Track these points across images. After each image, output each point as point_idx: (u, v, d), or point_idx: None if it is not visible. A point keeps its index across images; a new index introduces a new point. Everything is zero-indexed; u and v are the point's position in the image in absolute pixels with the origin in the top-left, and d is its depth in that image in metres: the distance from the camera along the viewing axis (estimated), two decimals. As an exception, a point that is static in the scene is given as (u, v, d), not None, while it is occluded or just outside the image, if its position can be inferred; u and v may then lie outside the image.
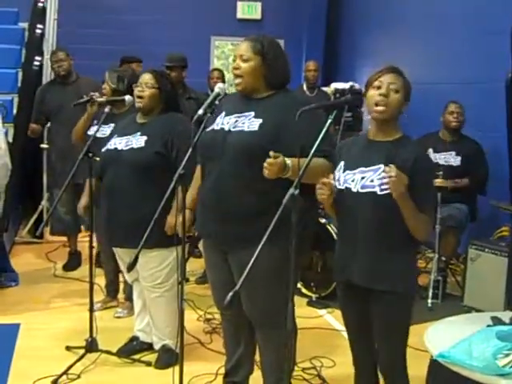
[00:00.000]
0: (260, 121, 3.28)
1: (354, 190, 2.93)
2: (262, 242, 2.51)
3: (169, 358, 4.23)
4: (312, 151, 2.73)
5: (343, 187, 2.98)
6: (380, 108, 2.91)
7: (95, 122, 5.08)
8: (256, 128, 3.26)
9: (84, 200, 4.64)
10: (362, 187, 2.90)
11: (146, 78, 4.18)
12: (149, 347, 4.45)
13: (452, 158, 6.06)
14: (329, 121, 2.75)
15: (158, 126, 4.12)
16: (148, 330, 4.44)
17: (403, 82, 2.96)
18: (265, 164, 2.99)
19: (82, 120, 5.24)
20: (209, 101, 3.27)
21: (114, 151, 4.13)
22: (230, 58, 10.31)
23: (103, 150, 4.22)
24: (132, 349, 4.44)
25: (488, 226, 6.07)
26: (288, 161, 3.04)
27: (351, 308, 3.14)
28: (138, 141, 4.08)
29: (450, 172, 5.73)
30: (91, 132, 5.11)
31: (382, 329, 2.99)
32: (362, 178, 2.91)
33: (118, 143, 4.15)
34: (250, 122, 3.30)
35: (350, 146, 3.14)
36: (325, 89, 8.02)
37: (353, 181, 2.94)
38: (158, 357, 4.32)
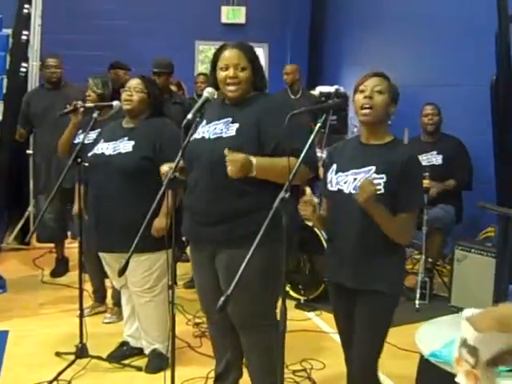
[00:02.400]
0: (237, 125, 3.31)
1: (346, 191, 2.97)
2: (254, 246, 2.51)
3: (159, 363, 4.23)
4: (302, 155, 2.75)
5: (335, 189, 3.02)
6: (365, 111, 2.96)
7: (80, 131, 5.08)
8: (233, 133, 3.30)
9: (77, 206, 4.65)
10: (354, 189, 2.93)
11: (135, 82, 4.20)
12: (139, 352, 4.46)
13: (434, 158, 6.12)
14: (318, 125, 2.77)
15: (146, 131, 4.13)
16: (137, 335, 4.44)
17: (388, 85, 3.00)
18: (227, 161, 3.03)
19: (67, 131, 5.19)
20: (198, 105, 3.26)
21: (102, 156, 4.14)
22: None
23: (89, 154, 4.23)
24: (122, 354, 4.44)
25: (473, 227, 6.13)
26: (252, 158, 3.09)
27: (341, 308, 3.17)
28: (125, 146, 4.09)
29: (434, 171, 5.77)
30: (77, 140, 5.11)
31: (361, 327, 3.02)
32: (354, 179, 2.95)
33: (106, 148, 4.15)
34: (227, 128, 3.33)
35: (342, 148, 3.18)
36: (311, 92, 8.03)
37: (345, 182, 2.98)
38: (149, 361, 4.32)
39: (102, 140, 4.25)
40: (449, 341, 2.82)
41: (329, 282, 3.27)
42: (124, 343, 4.53)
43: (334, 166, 3.08)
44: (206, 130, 3.41)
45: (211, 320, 3.75)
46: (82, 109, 4.82)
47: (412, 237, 3.06)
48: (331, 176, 3.06)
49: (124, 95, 4.17)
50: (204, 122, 3.45)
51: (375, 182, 2.84)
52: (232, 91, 3.36)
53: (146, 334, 4.35)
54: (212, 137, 3.36)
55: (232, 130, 3.31)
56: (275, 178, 3.14)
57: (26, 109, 6.35)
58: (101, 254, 4.41)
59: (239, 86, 3.35)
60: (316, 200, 2.99)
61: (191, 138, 3.32)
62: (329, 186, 3.06)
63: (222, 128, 3.35)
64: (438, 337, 3.00)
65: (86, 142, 4.54)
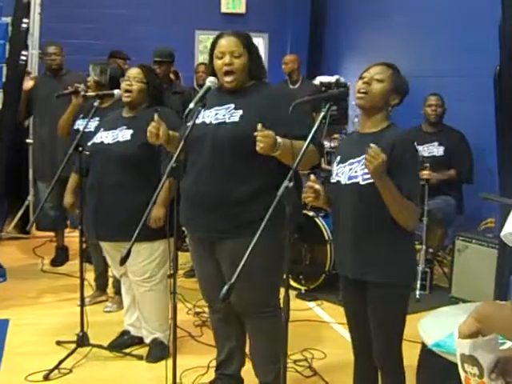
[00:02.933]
0: (240, 112, 3.31)
1: (343, 182, 2.96)
2: (258, 234, 2.50)
3: (160, 352, 4.24)
4: (309, 139, 2.73)
5: (335, 180, 3.02)
6: (360, 95, 2.95)
7: (81, 115, 5.09)
8: (237, 119, 3.29)
9: (68, 197, 4.67)
10: (349, 178, 2.93)
11: (135, 72, 4.18)
12: (140, 341, 4.46)
13: (435, 149, 6.10)
14: (321, 113, 2.75)
15: (144, 120, 4.09)
16: (138, 324, 4.45)
17: (390, 74, 2.97)
18: (258, 137, 3.01)
19: (67, 113, 5.21)
20: (200, 94, 3.24)
21: (101, 145, 4.14)
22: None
23: (89, 143, 4.22)
24: (123, 343, 4.44)
25: (473, 219, 6.11)
26: (278, 138, 3.08)
27: (350, 300, 3.16)
28: (124, 134, 4.10)
29: (435, 163, 5.76)
30: (77, 126, 5.11)
31: (376, 319, 3.00)
32: (350, 169, 2.94)
33: (105, 137, 4.15)
34: (230, 114, 3.32)
35: (346, 141, 3.18)
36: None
37: (342, 173, 2.98)
38: (150, 350, 4.32)
39: (102, 129, 4.25)
40: (452, 331, 2.81)
41: (339, 275, 3.25)
42: (125, 332, 4.53)
43: (338, 158, 3.08)
44: (206, 115, 3.39)
45: (213, 309, 3.74)
46: (82, 92, 4.81)
47: (415, 223, 3.03)
48: (334, 168, 3.07)
49: (123, 85, 4.16)
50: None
51: (366, 170, 2.81)
52: (228, 82, 3.36)
53: (146, 323, 4.35)
54: (214, 122, 3.35)
55: (236, 116, 3.30)
56: (292, 159, 3.09)
57: (26, 95, 6.35)
58: (101, 243, 4.40)
59: (235, 75, 3.34)
60: (318, 186, 2.95)
61: (190, 123, 3.30)
62: (331, 177, 3.07)
63: (225, 114, 3.33)
64: (442, 327, 3.00)
65: (87, 130, 4.54)
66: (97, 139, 4.19)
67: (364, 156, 2.80)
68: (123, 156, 4.03)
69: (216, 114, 3.36)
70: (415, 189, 2.96)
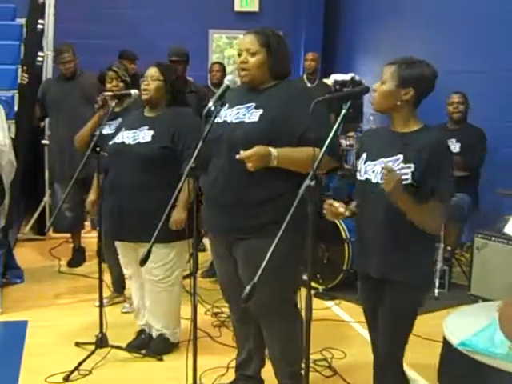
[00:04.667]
0: (260, 111, 3.28)
1: (374, 180, 2.93)
2: (279, 235, 2.47)
3: (163, 347, 4.34)
4: (325, 144, 2.69)
5: (364, 178, 2.98)
6: (372, 100, 2.95)
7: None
8: (256, 119, 3.26)
9: (92, 195, 4.65)
10: (382, 178, 2.89)
11: (152, 71, 4.19)
12: None
13: (452, 146, 6.06)
14: (343, 111, 2.72)
15: (165, 121, 4.11)
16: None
17: (393, 70, 2.90)
18: (244, 159, 3.01)
19: (90, 124, 5.11)
20: (219, 93, 3.23)
21: (122, 145, 4.13)
22: (225, 51, 10.30)
23: (110, 143, 4.22)
24: (142, 342, 4.44)
25: (492, 215, 6.06)
26: (271, 148, 3.07)
27: (369, 298, 3.14)
28: (144, 135, 4.08)
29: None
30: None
31: (388, 315, 2.99)
32: (382, 168, 2.90)
33: (126, 137, 4.15)
34: (250, 113, 3.30)
35: (372, 136, 3.15)
36: (325, 80, 8.01)
37: (373, 172, 2.94)
38: (152, 344, 4.39)
39: (124, 128, 4.24)
40: (478, 330, 2.80)
41: (358, 273, 3.22)
42: (141, 331, 4.54)
43: (364, 155, 3.04)
44: (228, 114, 3.38)
45: (233, 309, 3.73)
46: (110, 100, 4.77)
47: (440, 226, 3.00)
48: (361, 165, 3.03)
49: (142, 85, 4.16)
50: (227, 105, 3.41)
51: (403, 171, 2.79)
52: (242, 76, 3.37)
53: (155, 319, 4.39)
54: (234, 121, 3.33)
55: (255, 115, 3.27)
56: (297, 167, 3.11)
57: (41, 98, 6.37)
58: (116, 243, 4.40)
59: (248, 71, 3.33)
60: (337, 205, 2.93)
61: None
62: (358, 175, 3.03)
63: (245, 113, 3.32)
64: (467, 326, 2.98)
65: (104, 132, 4.54)
66: (118, 139, 4.19)
67: (399, 157, 2.83)
68: (144, 157, 4.02)
69: (237, 113, 3.35)
70: (449, 193, 2.93)
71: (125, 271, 4.60)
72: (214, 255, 3.69)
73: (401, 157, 2.86)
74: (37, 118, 6.58)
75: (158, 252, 4.03)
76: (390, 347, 3.04)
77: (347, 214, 3.02)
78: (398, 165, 2.85)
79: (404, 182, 2.78)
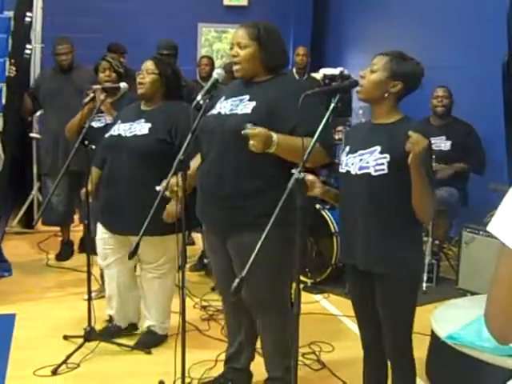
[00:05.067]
0: (253, 103, 3.29)
1: (353, 172, 2.94)
2: (267, 229, 2.48)
3: (149, 341, 4.35)
4: (316, 134, 2.70)
5: (344, 170, 2.99)
6: (358, 88, 2.96)
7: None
8: (249, 111, 3.27)
9: (90, 186, 4.60)
10: (360, 169, 2.91)
11: (148, 64, 4.19)
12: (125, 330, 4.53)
13: (442, 143, 6.06)
14: (332, 105, 2.73)
15: (163, 114, 4.12)
16: (121, 314, 4.50)
17: (385, 62, 2.92)
18: (250, 135, 3.01)
19: (79, 115, 5.09)
20: (207, 87, 3.25)
21: (118, 137, 4.14)
22: (213, 45, 10.27)
23: (106, 135, 4.21)
24: (112, 332, 4.49)
25: (479, 210, 6.08)
26: (273, 134, 3.07)
27: (357, 290, 3.15)
28: (141, 128, 4.09)
29: (441, 157, 5.73)
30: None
31: (387, 312, 2.99)
32: (360, 160, 2.91)
33: (122, 129, 4.15)
34: (243, 106, 3.31)
35: (356, 130, 3.17)
36: (314, 74, 8.00)
37: (352, 164, 2.95)
38: (140, 338, 4.41)
39: (120, 121, 4.24)
40: (466, 323, 2.81)
41: (345, 265, 3.23)
42: (109, 320, 4.59)
43: (347, 148, 3.05)
44: (223, 106, 3.40)
45: (226, 301, 3.75)
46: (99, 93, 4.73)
47: (432, 215, 3.00)
48: (343, 158, 3.04)
49: (138, 78, 4.16)
50: (223, 97, 3.43)
51: (379, 161, 2.81)
52: (235, 70, 3.38)
53: (146, 308, 4.44)
54: (228, 113, 3.34)
55: (248, 107, 3.28)
56: (294, 156, 3.06)
57: (35, 90, 6.35)
58: (102, 232, 4.35)
59: (240, 65, 3.35)
60: (311, 177, 2.91)
61: (208, 113, 3.31)
62: (340, 167, 3.04)
63: (239, 104, 3.33)
64: (455, 319, 2.99)
65: (94, 125, 4.52)
66: (114, 131, 4.19)
67: (377, 148, 2.82)
68: (140, 150, 4.03)
69: (231, 105, 3.36)
70: (432, 182, 2.91)
71: (99, 261, 4.52)
72: (208, 247, 3.71)
73: (378, 148, 2.86)
74: (28, 110, 6.55)
75: (151, 242, 3.99)
76: (396, 341, 3.04)
77: (319, 188, 2.98)
78: (374, 155, 2.85)
79: (381, 172, 2.79)
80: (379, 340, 3.09)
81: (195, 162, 3.61)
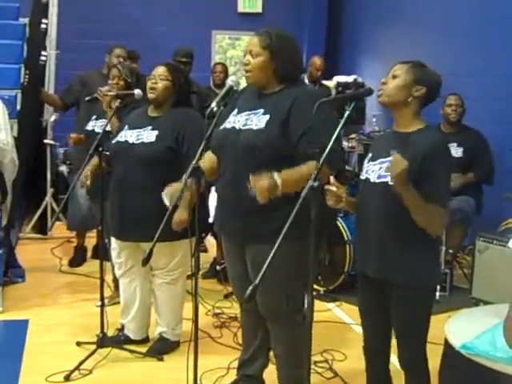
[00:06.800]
0: (267, 117, 3.27)
1: (372, 180, 2.94)
2: (280, 239, 2.45)
3: (161, 348, 4.34)
4: (323, 156, 2.64)
5: (364, 177, 2.99)
6: (378, 92, 2.95)
7: (93, 116, 5.08)
8: (263, 126, 3.25)
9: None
10: (378, 177, 2.90)
11: (160, 70, 4.17)
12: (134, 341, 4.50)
13: (454, 150, 6.02)
14: (347, 112, 2.72)
15: (170, 121, 4.11)
16: (132, 325, 4.48)
17: (408, 68, 2.92)
18: (253, 189, 3.01)
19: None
20: (222, 94, 3.23)
21: (125, 144, 4.13)
22: (227, 52, 10.30)
23: (113, 141, 4.22)
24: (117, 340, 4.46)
25: (493, 219, 6.07)
26: (277, 178, 3.04)
27: (367, 301, 3.14)
28: (148, 135, 4.08)
29: (454, 164, 5.70)
30: (91, 127, 5.08)
31: (402, 323, 2.97)
32: (380, 168, 2.91)
33: (129, 136, 4.14)
34: (258, 120, 3.29)
35: (381, 138, 3.15)
36: (326, 82, 7.97)
37: (372, 171, 2.95)
38: (152, 345, 4.41)
39: (127, 127, 4.23)
40: (480, 332, 2.79)
41: (358, 273, 3.21)
42: (120, 329, 4.57)
43: (369, 155, 3.05)
44: (237, 120, 3.38)
45: (244, 308, 3.75)
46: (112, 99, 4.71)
47: (442, 229, 2.99)
48: (365, 164, 3.05)
49: (149, 83, 4.15)
50: (235, 110, 3.42)
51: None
52: (246, 78, 3.37)
53: (158, 317, 4.43)
54: (243, 128, 3.32)
55: (262, 122, 3.26)
56: (300, 188, 3.05)
57: (79, 87, 6.35)
58: (115, 242, 4.37)
59: (251, 73, 3.33)
60: (334, 189, 2.89)
61: (221, 127, 3.30)
62: (361, 174, 3.05)
63: (253, 119, 3.31)
64: (469, 329, 2.97)
65: (96, 130, 4.53)
66: (121, 137, 4.19)
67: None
68: (147, 157, 4.02)
69: (246, 119, 3.34)
70: (446, 196, 2.93)
71: (116, 270, 4.54)
72: (226, 255, 3.70)
73: None
74: (58, 104, 6.58)
75: (163, 249, 3.97)
76: (411, 351, 3.02)
77: (344, 200, 2.95)
78: None
79: None
80: (383, 350, 3.12)
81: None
